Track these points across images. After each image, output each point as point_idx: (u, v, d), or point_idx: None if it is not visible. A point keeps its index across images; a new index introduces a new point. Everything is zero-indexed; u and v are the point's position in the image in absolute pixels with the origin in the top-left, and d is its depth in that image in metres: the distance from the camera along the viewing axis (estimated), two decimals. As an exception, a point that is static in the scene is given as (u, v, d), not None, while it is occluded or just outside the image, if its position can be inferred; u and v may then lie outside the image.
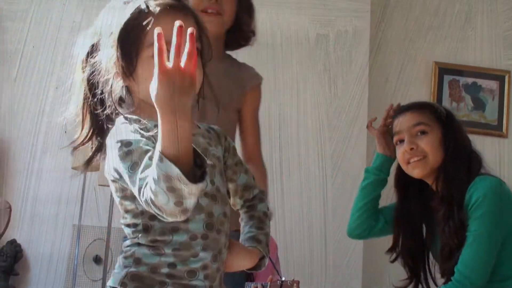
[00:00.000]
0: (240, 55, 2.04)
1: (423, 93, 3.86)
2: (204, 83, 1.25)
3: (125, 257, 1.14)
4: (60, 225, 3.68)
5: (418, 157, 1.94)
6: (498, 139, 3.93)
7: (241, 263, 1.25)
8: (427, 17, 4.00)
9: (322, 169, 3.72)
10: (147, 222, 1.12)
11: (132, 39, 1.15)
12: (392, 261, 2.07)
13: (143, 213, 1.11)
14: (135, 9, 1.15)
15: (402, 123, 2.00)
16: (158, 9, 1.13)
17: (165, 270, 1.10)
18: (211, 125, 1.31)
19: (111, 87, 1.16)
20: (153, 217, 1.09)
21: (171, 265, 1.11)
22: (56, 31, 3.91)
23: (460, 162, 1.91)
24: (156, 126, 1.05)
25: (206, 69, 1.24)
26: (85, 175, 3.41)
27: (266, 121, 3.63)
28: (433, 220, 1.99)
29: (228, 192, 1.32)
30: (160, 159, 0.94)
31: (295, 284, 2.52)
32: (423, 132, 1.95)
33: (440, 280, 1.96)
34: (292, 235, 3.57)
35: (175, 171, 0.93)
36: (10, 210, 3.42)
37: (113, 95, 1.16)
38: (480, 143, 2.04)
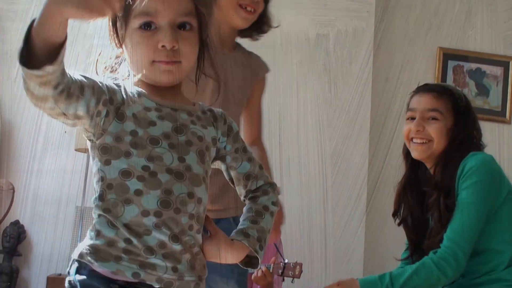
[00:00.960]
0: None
1: (427, 78, 3.83)
2: (206, 61, 1.23)
3: (91, 230, 1.11)
4: (63, 206, 3.69)
5: (422, 140, 1.96)
6: (501, 125, 3.92)
7: (222, 255, 1.17)
8: (427, 17, 4.00)
9: (322, 169, 3.72)
10: (103, 190, 1.09)
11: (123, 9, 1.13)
12: (398, 225, 2.07)
13: (102, 179, 1.09)
14: None
15: (419, 102, 2.00)
16: None
17: (121, 244, 1.06)
18: (215, 108, 1.26)
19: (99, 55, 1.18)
20: (110, 185, 1.08)
21: (127, 240, 1.06)
22: (56, 31, 3.91)
23: (463, 155, 1.91)
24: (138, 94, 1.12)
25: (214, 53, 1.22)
26: (88, 159, 3.43)
27: (266, 121, 3.63)
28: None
29: (232, 182, 1.27)
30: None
31: (298, 266, 2.52)
32: (434, 118, 1.96)
33: None
34: (292, 235, 3.57)
35: (21, 49, 0.93)
36: (14, 192, 3.43)
37: (98, 64, 1.18)
38: (483, 129, 2.04)
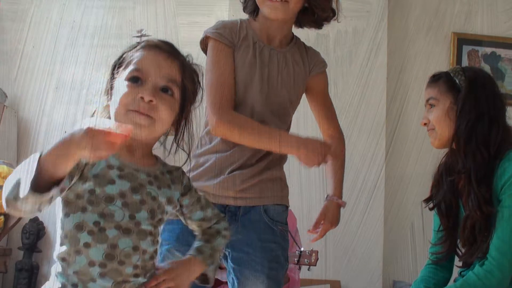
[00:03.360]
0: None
1: (441, 64, 3.82)
2: (183, 125, 1.34)
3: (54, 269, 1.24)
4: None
5: (430, 130, 1.98)
6: (518, 109, 3.88)
7: (183, 276, 1.30)
8: (427, 17, 4.00)
9: (322, 169, 3.71)
10: (62, 239, 1.21)
11: (116, 71, 1.31)
12: (430, 209, 2.07)
13: (62, 228, 1.21)
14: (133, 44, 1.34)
15: (424, 97, 2.03)
16: (145, 44, 1.30)
17: None
18: (173, 168, 1.36)
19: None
20: (66, 235, 1.20)
21: (75, 286, 1.18)
22: (56, 31, 3.91)
23: (473, 133, 1.87)
24: None
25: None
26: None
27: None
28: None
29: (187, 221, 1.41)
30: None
31: (313, 254, 2.52)
32: (432, 105, 1.97)
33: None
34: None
35: (25, 176, 1.03)
36: None
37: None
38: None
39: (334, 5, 1.85)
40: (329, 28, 3.88)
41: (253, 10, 1.81)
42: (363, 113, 3.74)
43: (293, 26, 1.85)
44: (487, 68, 3.92)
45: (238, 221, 1.70)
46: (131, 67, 1.26)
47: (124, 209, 1.21)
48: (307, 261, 2.51)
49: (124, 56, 1.31)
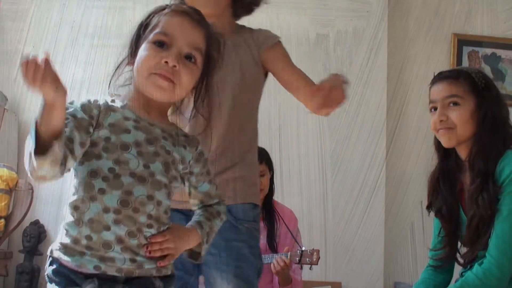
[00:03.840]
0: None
1: (441, 64, 3.82)
2: (201, 94, 1.36)
3: (63, 226, 1.25)
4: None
5: (447, 128, 1.94)
6: (519, 110, 3.88)
7: (182, 241, 1.31)
8: (427, 17, 4.00)
9: (322, 169, 3.72)
10: (75, 187, 1.23)
11: (143, 31, 1.32)
12: (435, 216, 2.06)
13: (75, 177, 1.24)
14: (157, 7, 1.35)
15: (437, 92, 1.98)
16: (174, 8, 1.33)
17: (84, 241, 1.20)
18: (189, 134, 1.39)
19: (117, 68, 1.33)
20: (80, 183, 1.22)
21: (88, 237, 1.20)
22: (56, 31, 3.91)
23: (496, 135, 1.89)
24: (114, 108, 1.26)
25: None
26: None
27: (266, 121, 3.63)
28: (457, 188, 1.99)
29: (189, 193, 1.41)
30: (32, 126, 1.08)
31: (315, 253, 2.52)
32: (455, 103, 1.94)
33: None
34: (292, 235, 3.57)
35: (31, 143, 1.07)
36: (32, 192, 3.45)
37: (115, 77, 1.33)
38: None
39: None
40: (329, 28, 3.90)
41: None
42: (363, 113, 3.74)
43: (233, 19, 1.83)
44: (487, 69, 3.92)
45: None
46: (157, 30, 1.29)
47: (139, 158, 1.23)
48: (308, 260, 2.52)
49: (151, 17, 1.33)
